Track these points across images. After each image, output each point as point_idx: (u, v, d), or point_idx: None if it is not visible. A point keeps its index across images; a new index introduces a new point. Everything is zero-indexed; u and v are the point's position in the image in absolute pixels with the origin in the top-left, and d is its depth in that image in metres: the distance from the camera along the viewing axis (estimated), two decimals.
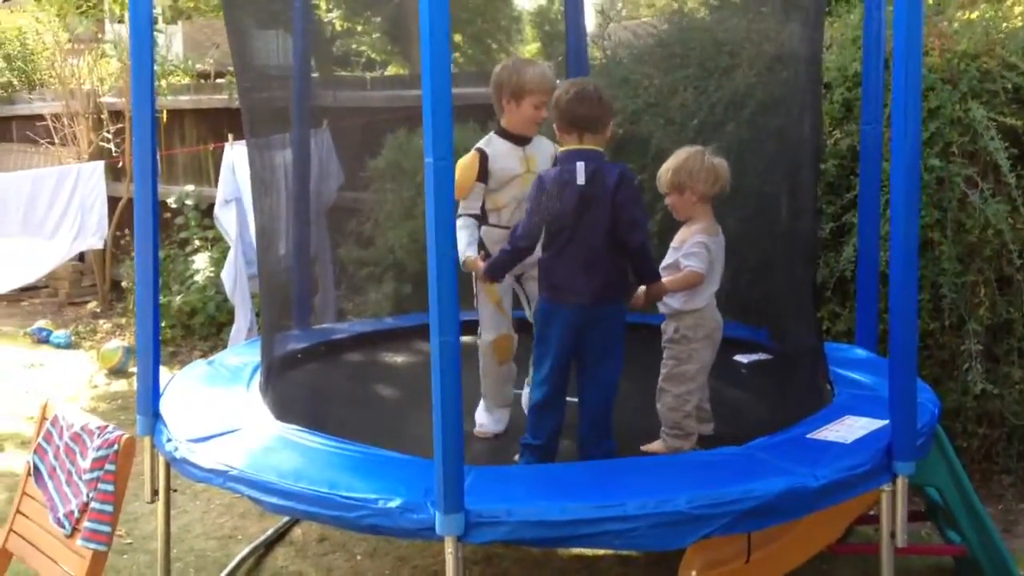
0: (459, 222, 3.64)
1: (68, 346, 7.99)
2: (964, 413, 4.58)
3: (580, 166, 3.20)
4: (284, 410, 3.68)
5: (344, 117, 6.29)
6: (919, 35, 3.02)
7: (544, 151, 3.71)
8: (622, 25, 6.11)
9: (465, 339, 2.83)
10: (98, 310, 9.09)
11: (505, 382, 3.81)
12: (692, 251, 3.41)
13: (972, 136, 4.46)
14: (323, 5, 8.33)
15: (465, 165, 3.64)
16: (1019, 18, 5.03)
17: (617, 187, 3.17)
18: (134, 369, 7.16)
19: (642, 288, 3.37)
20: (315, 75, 5.32)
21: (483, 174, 3.64)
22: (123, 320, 8.53)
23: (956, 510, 3.77)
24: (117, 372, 7.17)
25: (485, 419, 3.79)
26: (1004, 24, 4.87)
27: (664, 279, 3.41)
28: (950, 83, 4.54)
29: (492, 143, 3.71)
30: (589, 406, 3.36)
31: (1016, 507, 4.56)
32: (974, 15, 5.29)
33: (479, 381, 3.80)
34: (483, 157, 3.66)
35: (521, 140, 3.68)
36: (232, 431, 3.46)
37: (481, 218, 3.70)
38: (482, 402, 3.83)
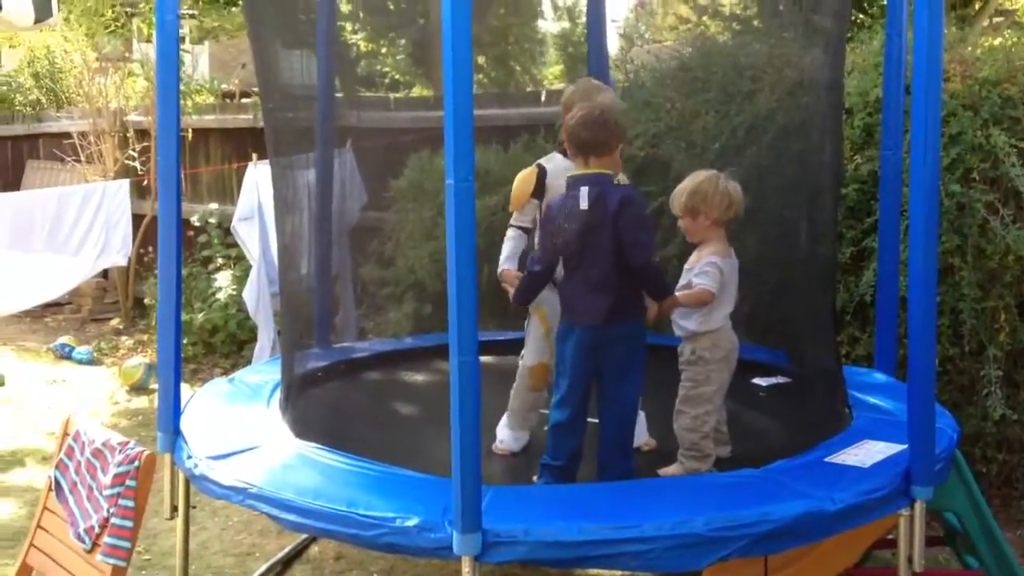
0: (508, 232, 3.74)
1: (90, 362, 8.05)
2: (984, 439, 4.56)
3: (584, 191, 3.24)
4: (303, 428, 3.70)
5: (367, 137, 6.34)
6: (939, 61, 3.04)
7: None
8: (645, 49, 6.14)
9: (485, 359, 2.84)
10: (120, 327, 9.16)
11: (532, 408, 3.82)
12: (704, 270, 3.42)
13: (993, 162, 4.47)
14: (348, 27, 8.41)
15: (522, 179, 3.70)
16: None
17: (618, 211, 3.20)
18: (155, 386, 7.21)
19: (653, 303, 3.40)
20: (339, 95, 5.36)
21: (539, 189, 3.68)
22: (145, 337, 8.59)
23: (974, 535, 3.75)
24: (138, 389, 7.21)
25: (506, 435, 3.79)
26: None
27: (678, 294, 3.43)
28: (971, 109, 4.54)
29: (553, 160, 3.74)
30: (608, 426, 3.37)
31: None
32: (996, 41, 5.30)
33: (499, 400, 3.81)
34: (541, 172, 3.70)
35: None
36: (252, 448, 3.49)
37: (534, 232, 3.73)
38: (505, 417, 3.83)
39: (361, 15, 9.02)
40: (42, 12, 5.81)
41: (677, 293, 3.43)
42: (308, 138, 4.78)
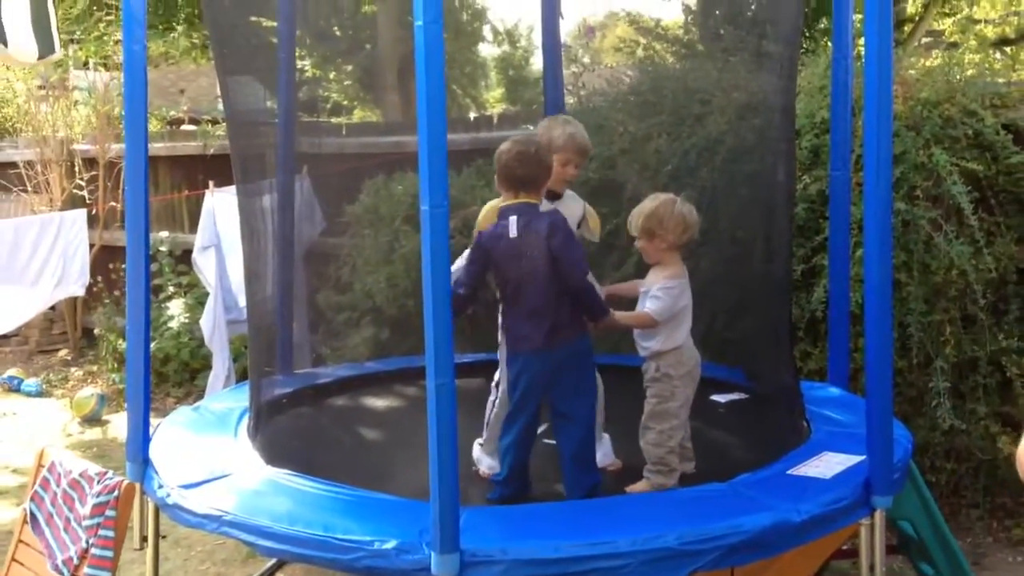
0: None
1: (39, 395, 7.94)
2: (932, 449, 4.70)
3: (512, 220, 3.34)
4: (274, 455, 3.71)
5: (322, 164, 6.37)
6: (889, 84, 3.16)
7: (574, 207, 3.79)
8: (596, 73, 6.26)
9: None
10: (69, 358, 9.03)
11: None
12: (656, 295, 3.51)
13: (935, 180, 4.63)
14: (297, 52, 8.44)
15: (489, 208, 3.74)
16: (973, 67, 5.23)
17: (549, 235, 3.29)
18: (108, 417, 7.16)
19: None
20: (301, 121, 5.40)
21: None
22: (95, 368, 8.49)
23: (929, 543, 3.87)
24: (91, 420, 7.13)
25: (488, 461, 3.80)
26: (961, 73, 5.07)
27: (618, 314, 3.53)
28: (914, 129, 4.71)
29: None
30: (567, 444, 3.43)
31: (984, 540, 4.68)
32: (931, 62, 5.49)
33: (464, 420, 3.81)
34: None
35: (551, 195, 3.73)
36: (223, 476, 3.48)
37: None
38: (482, 445, 3.85)
39: (308, 41, 9.04)
40: (45, 48, 5.83)
41: (619, 314, 3.53)
42: (271, 164, 4.81)
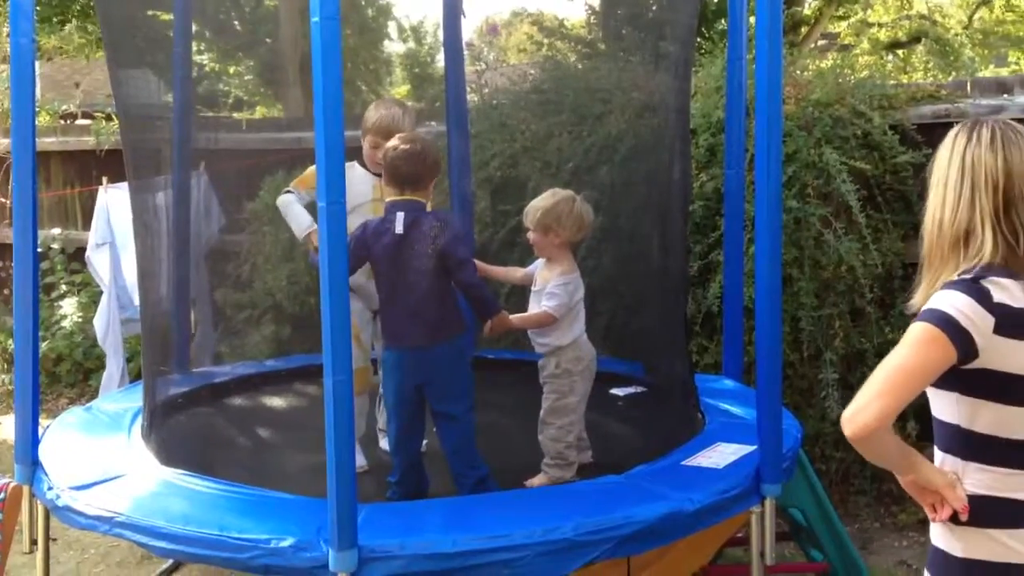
0: (287, 198, 3.92)
1: None
2: (822, 438, 4.85)
3: (399, 216, 3.36)
4: (169, 455, 3.65)
5: (221, 159, 6.26)
6: (779, 85, 3.26)
7: None
8: (499, 72, 6.30)
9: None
10: None
11: (359, 415, 3.79)
12: (553, 291, 3.55)
13: (826, 179, 4.77)
14: (196, 46, 8.28)
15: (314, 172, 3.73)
16: (865, 69, 5.41)
17: (437, 234, 3.33)
18: None
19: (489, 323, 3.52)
20: (197, 117, 5.31)
21: None
22: None
23: (818, 529, 4.00)
24: None
25: (359, 458, 3.79)
26: (853, 75, 5.23)
27: (516, 317, 3.57)
28: (805, 129, 4.84)
29: (353, 168, 3.79)
30: (448, 441, 3.47)
31: (871, 526, 4.85)
32: (824, 64, 5.66)
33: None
34: None
35: (377, 171, 3.76)
36: (116, 477, 3.41)
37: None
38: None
39: (207, 34, 8.87)
40: None
41: (517, 317, 3.57)
42: (166, 160, 4.73)
